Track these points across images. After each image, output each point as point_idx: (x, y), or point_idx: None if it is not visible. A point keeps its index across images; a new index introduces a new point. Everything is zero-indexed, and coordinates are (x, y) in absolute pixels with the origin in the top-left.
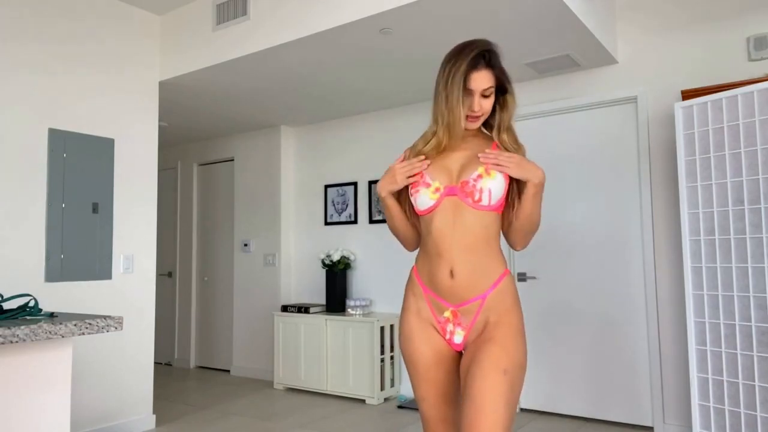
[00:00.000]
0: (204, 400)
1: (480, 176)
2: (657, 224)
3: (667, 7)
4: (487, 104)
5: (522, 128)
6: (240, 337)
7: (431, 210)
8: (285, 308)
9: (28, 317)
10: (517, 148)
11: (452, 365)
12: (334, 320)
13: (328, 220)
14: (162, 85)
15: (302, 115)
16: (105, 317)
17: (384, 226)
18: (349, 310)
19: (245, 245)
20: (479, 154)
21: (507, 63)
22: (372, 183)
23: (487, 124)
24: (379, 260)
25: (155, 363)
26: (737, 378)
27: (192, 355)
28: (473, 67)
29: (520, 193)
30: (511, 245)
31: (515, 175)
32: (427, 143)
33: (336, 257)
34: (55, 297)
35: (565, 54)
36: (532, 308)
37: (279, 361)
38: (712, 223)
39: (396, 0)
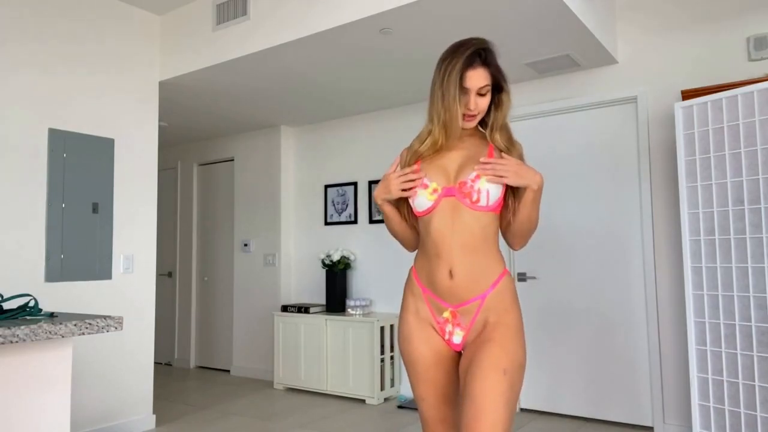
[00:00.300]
0: (204, 400)
1: (478, 177)
2: (657, 224)
3: (667, 7)
4: (484, 103)
5: (522, 128)
6: (240, 337)
7: (429, 211)
8: (285, 308)
9: (28, 317)
10: (511, 147)
11: (451, 365)
12: (334, 320)
13: (328, 220)
14: (162, 85)
15: (302, 115)
16: (105, 317)
17: (384, 226)
18: (349, 310)
19: (245, 245)
20: (476, 167)
21: (507, 63)
22: (372, 183)
23: (483, 122)
24: (379, 260)
25: (155, 363)
26: (737, 378)
27: (192, 355)
28: (469, 65)
29: (517, 194)
30: (510, 245)
31: (514, 183)
32: (423, 143)
33: (336, 257)
34: (55, 297)
35: (565, 54)
36: (532, 308)
37: (279, 361)
38: (712, 223)
39: (396, 0)
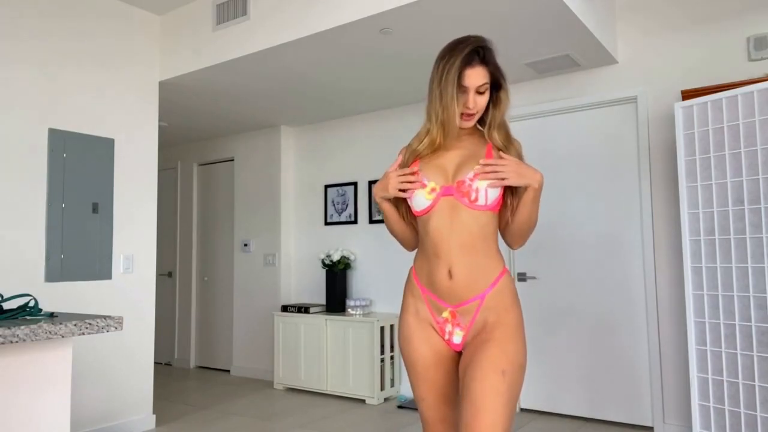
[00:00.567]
0: (204, 400)
1: (476, 175)
2: (657, 224)
3: (667, 7)
4: (482, 101)
5: (522, 128)
6: (240, 337)
7: (428, 211)
8: (285, 308)
9: (28, 317)
10: (509, 145)
11: (451, 365)
12: (334, 320)
13: (328, 220)
14: (162, 85)
15: (302, 115)
16: (105, 317)
17: (384, 226)
18: (349, 310)
19: (245, 245)
20: (476, 168)
21: (507, 63)
22: (372, 183)
23: (482, 120)
24: (379, 260)
25: (155, 363)
26: (737, 378)
27: (192, 355)
28: (467, 63)
29: (516, 193)
30: (508, 244)
31: (514, 183)
32: (421, 142)
33: (336, 257)
34: (55, 297)
35: (565, 54)
36: (532, 308)
37: (279, 361)
38: (712, 223)
39: (396, 0)
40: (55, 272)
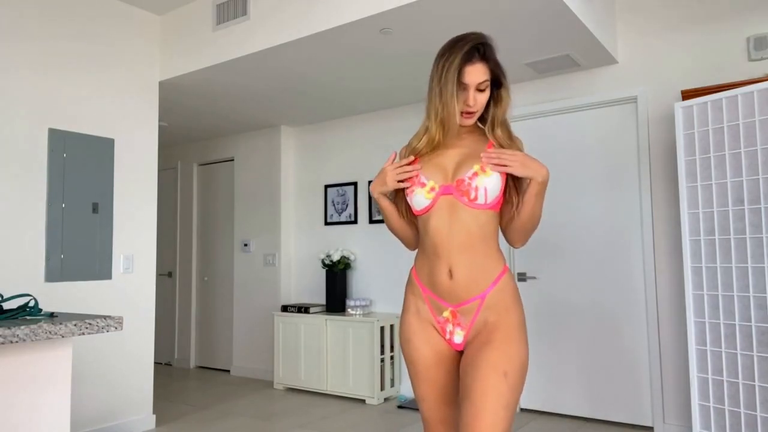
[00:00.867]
0: (204, 400)
1: (476, 174)
2: (657, 224)
3: (667, 7)
4: (482, 99)
5: (522, 128)
6: (240, 337)
7: (427, 210)
8: (285, 308)
9: (28, 317)
10: (511, 142)
11: (452, 365)
12: (334, 320)
13: (328, 220)
14: (162, 85)
15: (302, 115)
16: (105, 317)
17: (384, 226)
18: (349, 310)
19: (245, 245)
20: (482, 154)
21: (507, 63)
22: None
23: (482, 118)
24: (379, 260)
25: (155, 363)
26: (737, 378)
27: (192, 355)
28: (467, 60)
29: (520, 190)
30: (510, 242)
31: (519, 173)
32: (420, 140)
33: (336, 257)
34: (55, 297)
35: (565, 54)
36: (532, 308)
37: (279, 361)
38: (712, 223)
39: (396, 0)
40: (55, 272)
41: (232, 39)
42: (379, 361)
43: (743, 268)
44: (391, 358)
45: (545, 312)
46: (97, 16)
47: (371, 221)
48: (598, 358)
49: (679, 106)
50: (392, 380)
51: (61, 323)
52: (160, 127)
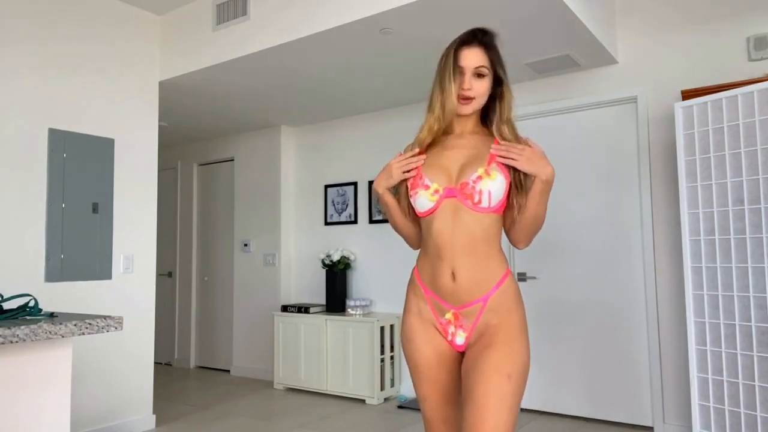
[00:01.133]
0: (204, 400)
1: (480, 177)
2: (657, 224)
3: (667, 7)
4: (480, 86)
5: (522, 128)
6: (240, 337)
7: (431, 212)
8: (285, 308)
9: (28, 317)
10: (517, 142)
11: (454, 366)
12: (334, 320)
13: (328, 220)
14: (162, 85)
15: (302, 115)
16: (105, 317)
17: (384, 226)
18: (349, 310)
19: (245, 245)
20: (492, 146)
21: (507, 63)
22: (372, 183)
23: (486, 119)
24: (379, 260)
25: (155, 363)
26: (737, 378)
27: (192, 355)
28: (464, 43)
29: (525, 189)
30: (513, 243)
31: (524, 169)
32: (422, 130)
33: (336, 257)
34: (55, 297)
35: (565, 54)
36: (532, 308)
37: (279, 361)
38: (712, 223)
39: (396, 0)
40: (55, 272)
41: (232, 39)
42: (379, 361)
43: (743, 268)
44: (391, 358)
45: (545, 312)
46: (97, 17)
47: (371, 221)
48: (598, 358)
49: (679, 106)
50: (392, 380)
51: (61, 323)
52: (160, 127)
